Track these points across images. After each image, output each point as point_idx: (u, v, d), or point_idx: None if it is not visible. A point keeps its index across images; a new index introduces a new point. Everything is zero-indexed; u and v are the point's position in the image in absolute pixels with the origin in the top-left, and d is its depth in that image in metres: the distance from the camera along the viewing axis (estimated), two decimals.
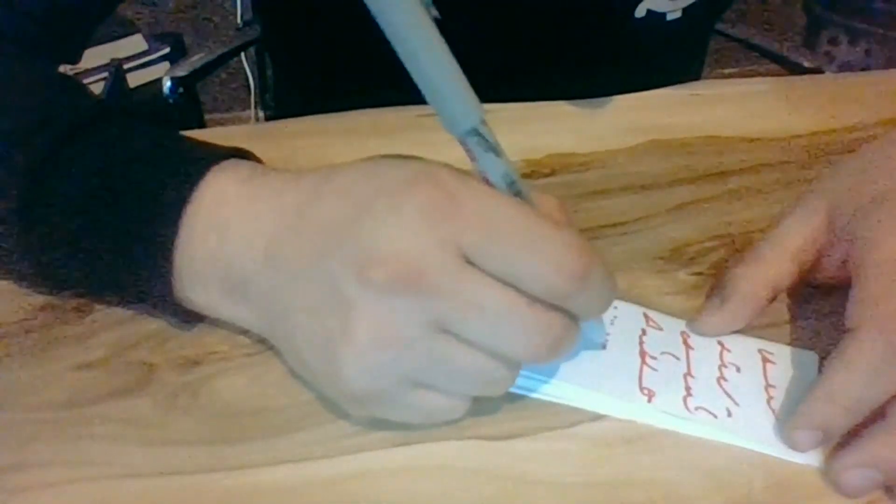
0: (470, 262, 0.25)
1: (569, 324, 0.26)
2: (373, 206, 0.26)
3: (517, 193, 0.26)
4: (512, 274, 0.25)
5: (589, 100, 0.53)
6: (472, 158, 0.25)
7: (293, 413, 0.30)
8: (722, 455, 0.29)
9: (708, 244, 0.40)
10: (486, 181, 0.26)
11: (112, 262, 0.31)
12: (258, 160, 0.34)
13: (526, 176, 0.45)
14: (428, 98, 0.23)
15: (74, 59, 0.46)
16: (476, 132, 0.24)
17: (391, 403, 0.27)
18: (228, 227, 0.29)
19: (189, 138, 0.33)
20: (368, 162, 0.28)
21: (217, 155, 0.31)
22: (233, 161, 0.31)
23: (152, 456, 0.28)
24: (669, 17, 0.54)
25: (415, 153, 0.28)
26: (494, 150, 0.25)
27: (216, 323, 0.33)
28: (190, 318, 0.32)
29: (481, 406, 0.30)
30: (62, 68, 0.45)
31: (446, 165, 0.26)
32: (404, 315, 0.25)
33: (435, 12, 0.50)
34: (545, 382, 0.31)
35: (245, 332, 0.33)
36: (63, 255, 0.32)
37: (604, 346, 0.32)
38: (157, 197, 0.30)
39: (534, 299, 0.25)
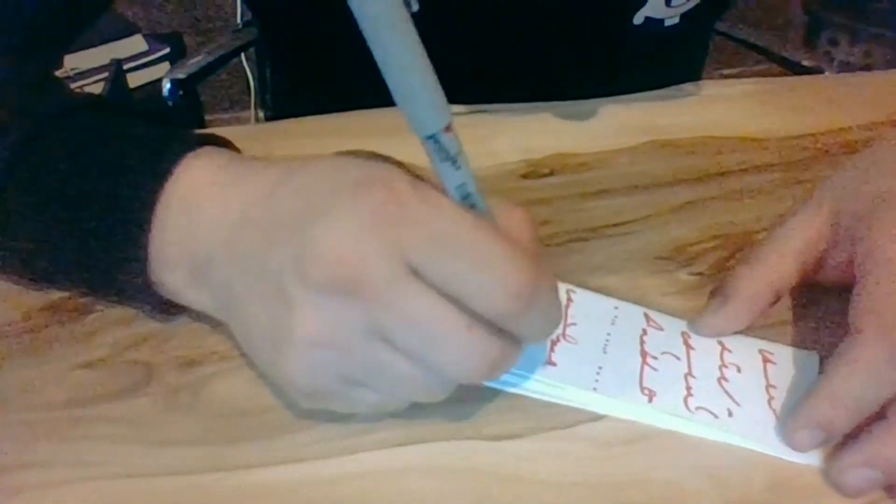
0: (415, 272, 0.24)
1: (508, 347, 0.26)
2: (324, 206, 0.26)
3: (471, 206, 0.26)
4: (455, 289, 0.24)
5: (589, 100, 0.53)
6: (431, 163, 0.25)
7: (293, 413, 0.30)
8: (722, 455, 0.29)
9: (708, 244, 0.40)
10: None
11: (88, 250, 0.31)
12: (234, 148, 0.34)
13: (525, 176, 0.45)
14: (394, 97, 0.23)
15: (55, 64, 0.46)
16: (435, 139, 0.24)
17: (335, 398, 0.27)
18: (199, 214, 0.30)
19: (165, 126, 0.33)
20: (331, 160, 0.28)
21: (193, 142, 0.31)
22: (209, 148, 0.32)
23: (152, 456, 0.28)
24: (668, 23, 0.54)
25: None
26: (452, 160, 0.24)
27: (216, 323, 0.33)
28: (166, 307, 0.32)
29: (481, 406, 0.30)
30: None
31: (405, 170, 0.26)
32: (342, 318, 0.25)
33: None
34: (545, 383, 0.31)
35: None
36: (40, 245, 0.32)
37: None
38: (133, 183, 0.30)
39: (475, 318, 0.25)
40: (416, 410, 0.29)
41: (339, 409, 0.28)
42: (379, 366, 0.26)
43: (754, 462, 0.29)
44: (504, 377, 0.31)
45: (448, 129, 0.24)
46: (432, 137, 0.24)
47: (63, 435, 0.29)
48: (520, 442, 0.29)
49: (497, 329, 0.25)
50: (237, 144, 0.34)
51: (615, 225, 0.41)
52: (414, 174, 0.26)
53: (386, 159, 0.27)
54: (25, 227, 0.32)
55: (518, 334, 0.26)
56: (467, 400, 0.30)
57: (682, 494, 0.27)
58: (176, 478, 0.28)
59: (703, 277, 0.37)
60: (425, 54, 0.22)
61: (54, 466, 0.28)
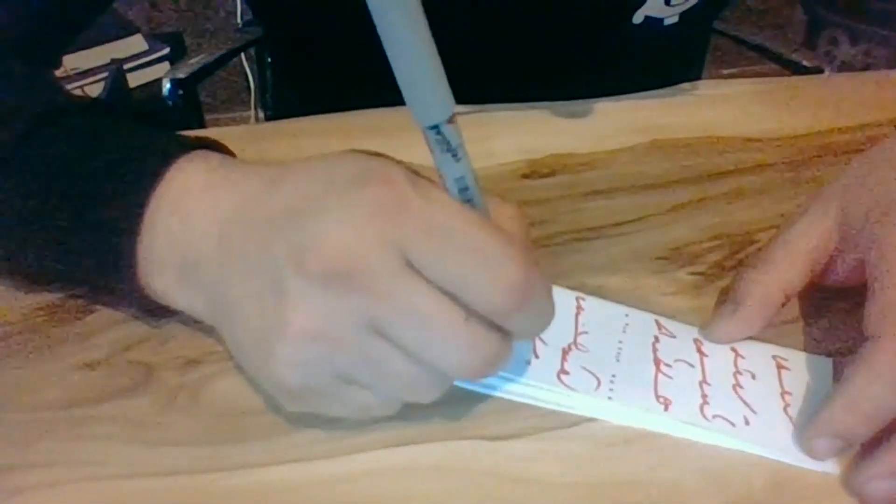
0: (412, 266, 0.24)
1: (502, 342, 0.26)
2: (321, 199, 0.25)
3: (468, 201, 0.25)
4: (452, 284, 0.24)
5: (589, 100, 0.53)
6: (432, 154, 0.25)
7: (293, 413, 0.30)
8: (722, 455, 0.29)
9: (708, 244, 0.40)
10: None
11: (77, 252, 0.31)
12: (229, 151, 0.34)
13: (526, 176, 0.45)
14: (400, 84, 0.23)
15: (54, 64, 0.46)
16: (437, 130, 0.24)
17: (323, 398, 0.27)
18: (189, 215, 0.29)
19: (158, 130, 0.33)
20: (327, 158, 0.28)
21: (186, 145, 0.31)
22: (202, 152, 0.31)
23: (152, 456, 0.28)
24: (667, 22, 0.54)
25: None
26: (453, 152, 0.24)
27: None
28: (153, 308, 0.32)
29: (481, 406, 0.30)
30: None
31: (403, 165, 0.26)
32: (337, 311, 0.24)
33: None
34: (559, 393, 0.30)
35: None
36: (29, 244, 0.32)
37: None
38: (122, 187, 0.30)
39: (471, 313, 0.25)
40: (416, 410, 0.29)
41: (327, 412, 0.28)
42: (372, 361, 0.25)
43: (754, 462, 0.29)
44: (517, 387, 0.31)
45: (451, 120, 0.24)
46: (435, 128, 0.24)
47: (63, 435, 0.29)
48: (520, 442, 0.29)
49: (491, 325, 0.25)
50: (237, 144, 0.34)
51: (615, 225, 0.41)
52: (412, 170, 0.26)
53: (385, 158, 0.27)
54: (14, 228, 0.32)
55: (511, 330, 0.26)
56: (467, 400, 0.30)
57: (682, 494, 0.27)
58: (176, 478, 0.28)
59: (703, 277, 0.37)
60: (433, 45, 0.22)
61: (54, 466, 0.28)
